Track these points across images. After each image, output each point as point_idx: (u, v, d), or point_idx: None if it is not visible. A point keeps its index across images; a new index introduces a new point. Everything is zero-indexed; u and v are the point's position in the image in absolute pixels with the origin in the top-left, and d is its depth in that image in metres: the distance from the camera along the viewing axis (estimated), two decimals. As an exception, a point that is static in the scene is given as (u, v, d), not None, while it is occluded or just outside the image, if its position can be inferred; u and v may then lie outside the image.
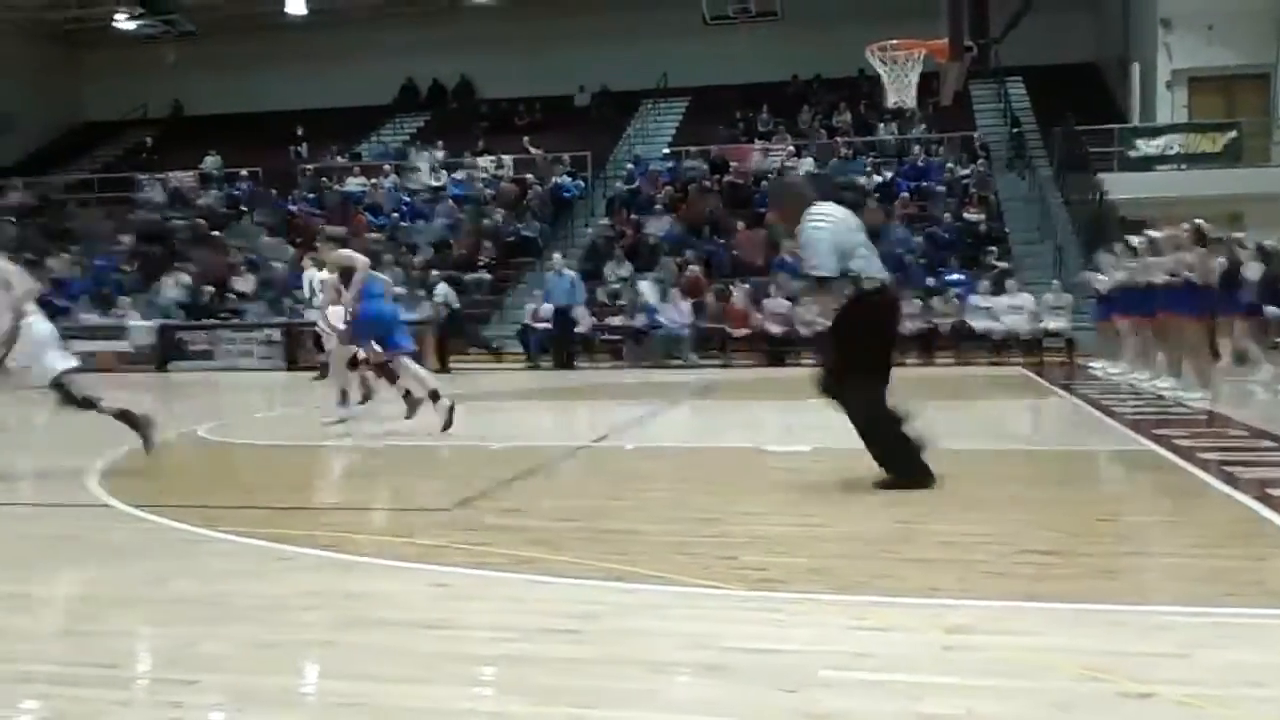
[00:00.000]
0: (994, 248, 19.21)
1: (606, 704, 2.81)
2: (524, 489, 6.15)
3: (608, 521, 5.21)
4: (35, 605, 3.85)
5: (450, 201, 23.66)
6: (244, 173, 26.58)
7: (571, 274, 18.32)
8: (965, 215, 20.44)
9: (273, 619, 3.63)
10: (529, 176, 24.23)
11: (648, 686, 2.96)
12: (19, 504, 6.07)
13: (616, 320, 18.52)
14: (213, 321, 20.22)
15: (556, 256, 18.85)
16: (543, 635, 3.38)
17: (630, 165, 24.84)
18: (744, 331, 17.71)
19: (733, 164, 23.75)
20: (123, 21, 28.54)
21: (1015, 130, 24.15)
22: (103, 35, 30.13)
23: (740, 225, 20.87)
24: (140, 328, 19.88)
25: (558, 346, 17.92)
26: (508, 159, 25.29)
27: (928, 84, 14.72)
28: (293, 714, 2.85)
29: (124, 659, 3.39)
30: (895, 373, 5.83)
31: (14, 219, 25.81)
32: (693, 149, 24.77)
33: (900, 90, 12.81)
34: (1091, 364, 15.17)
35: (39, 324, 6.81)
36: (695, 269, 19.29)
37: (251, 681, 3.02)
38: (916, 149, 23.50)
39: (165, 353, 19.62)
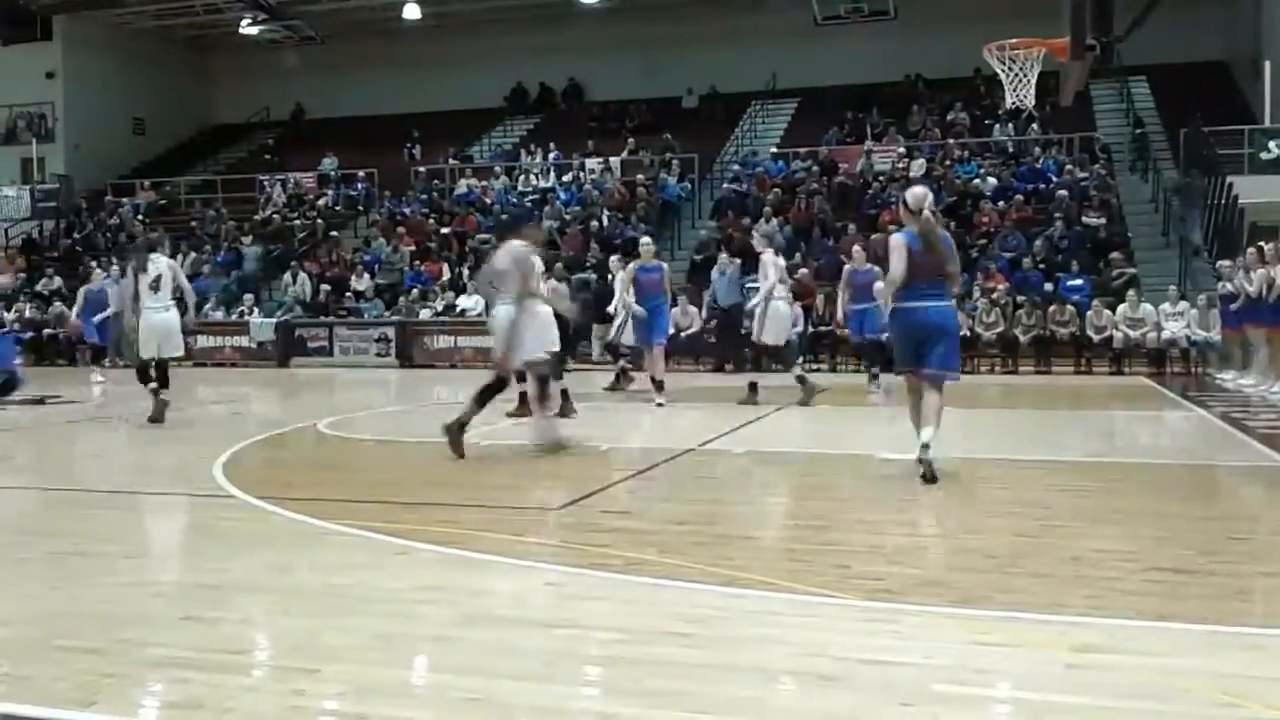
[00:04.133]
0: (1117, 253, 18.52)
1: (718, 710, 2.80)
2: (634, 491, 6.16)
3: (719, 526, 5.19)
4: (166, 592, 3.99)
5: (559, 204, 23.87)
6: (360, 174, 27.29)
7: (732, 270, 15.31)
8: (1085, 219, 19.79)
9: (391, 612, 3.71)
10: (638, 178, 24.27)
11: (758, 694, 2.94)
12: (150, 493, 6.32)
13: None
14: (330, 319, 20.78)
15: (723, 256, 16.03)
16: (655, 638, 3.39)
17: (738, 167, 24.71)
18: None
19: (842, 165, 23.44)
20: (248, 28, 29.61)
21: (1139, 131, 23.28)
22: (229, 41, 31.33)
23: (850, 228, 20.59)
24: (262, 324, 20.55)
25: (723, 348, 17.43)
26: (615, 161, 25.39)
27: (1045, 83, 14.31)
28: (411, 707, 2.90)
29: (249, 647, 3.51)
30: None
31: (143, 219, 26.91)
32: (802, 150, 24.53)
33: (1019, 91, 12.44)
34: (1219, 375, 14.60)
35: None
36: (804, 272, 19.08)
37: (371, 673, 3.09)
38: (1038, 150, 22.84)
39: (286, 349, 20.26)
